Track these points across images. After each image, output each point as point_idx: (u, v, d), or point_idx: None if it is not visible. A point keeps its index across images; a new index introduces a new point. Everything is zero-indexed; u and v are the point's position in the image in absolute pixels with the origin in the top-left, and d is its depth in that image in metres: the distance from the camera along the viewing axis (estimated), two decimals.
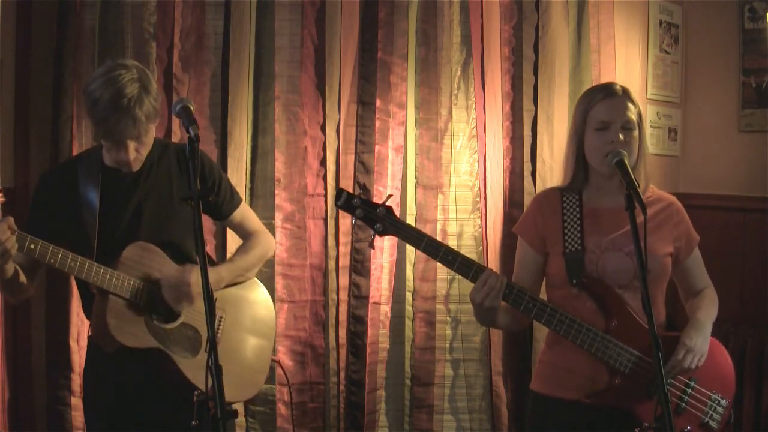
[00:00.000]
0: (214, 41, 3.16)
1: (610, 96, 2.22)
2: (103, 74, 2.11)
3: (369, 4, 3.29)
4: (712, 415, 2.23)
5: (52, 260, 2.05)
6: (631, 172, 2.04)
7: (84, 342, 2.97)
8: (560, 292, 2.24)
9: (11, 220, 1.99)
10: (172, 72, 3.07)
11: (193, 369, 2.22)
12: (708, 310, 2.29)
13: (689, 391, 2.21)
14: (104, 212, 2.20)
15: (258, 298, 2.53)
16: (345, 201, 2.08)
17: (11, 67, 2.94)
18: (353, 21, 3.27)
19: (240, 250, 2.50)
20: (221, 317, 2.38)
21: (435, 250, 2.11)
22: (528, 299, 2.14)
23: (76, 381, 2.97)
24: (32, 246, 2.02)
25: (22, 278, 2.17)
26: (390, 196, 2.16)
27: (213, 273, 2.31)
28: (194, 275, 2.23)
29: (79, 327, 2.98)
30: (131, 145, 2.13)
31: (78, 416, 2.97)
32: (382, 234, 2.09)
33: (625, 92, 2.24)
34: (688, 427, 2.15)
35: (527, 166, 3.48)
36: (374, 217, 2.09)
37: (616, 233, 2.20)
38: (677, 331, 2.25)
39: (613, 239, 2.21)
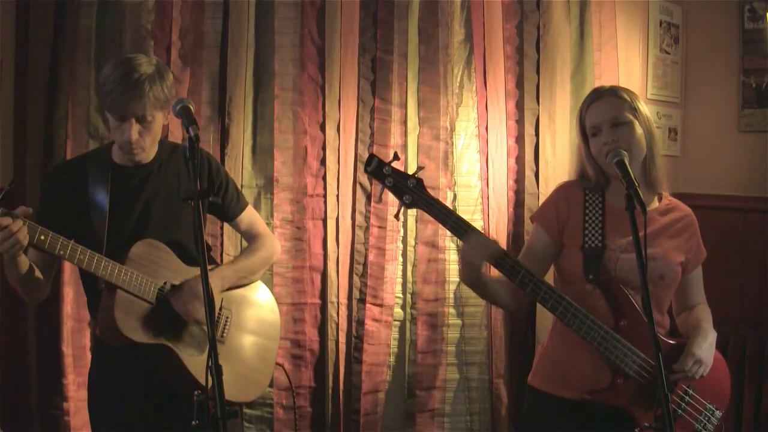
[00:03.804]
0: (213, 40, 3.14)
1: (595, 100, 2.23)
2: (120, 57, 2.17)
3: (369, 3, 3.29)
4: (705, 424, 2.23)
5: (61, 252, 2.04)
6: (630, 172, 2.02)
7: (77, 345, 2.96)
8: (573, 287, 2.21)
9: (28, 210, 1.98)
10: (171, 71, 3.05)
11: (199, 367, 2.21)
12: (710, 322, 2.29)
13: (687, 398, 2.21)
14: (113, 210, 2.19)
15: (263, 300, 2.53)
16: (375, 168, 2.01)
17: (11, 66, 2.93)
18: (353, 20, 3.26)
19: (244, 252, 2.51)
20: (227, 317, 2.38)
21: (462, 230, 2.07)
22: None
23: (69, 386, 2.94)
24: (42, 237, 2.01)
25: (38, 274, 2.17)
26: (421, 168, 2.08)
27: (216, 274, 2.32)
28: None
29: (72, 331, 2.95)
30: (135, 126, 2.12)
31: (70, 421, 2.95)
32: (409, 207, 2.03)
33: (612, 90, 2.24)
34: None
35: (530, 165, 3.47)
36: (404, 188, 2.02)
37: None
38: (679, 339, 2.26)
39: (632, 241, 2.19)
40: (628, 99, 2.21)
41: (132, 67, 2.10)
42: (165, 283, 2.23)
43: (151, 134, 2.18)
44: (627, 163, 2.06)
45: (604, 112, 2.19)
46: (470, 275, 2.17)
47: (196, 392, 1.72)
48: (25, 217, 1.97)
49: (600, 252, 2.18)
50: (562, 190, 2.34)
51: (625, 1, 3.72)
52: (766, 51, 3.76)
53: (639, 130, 2.19)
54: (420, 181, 2.03)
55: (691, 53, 4.03)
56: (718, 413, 2.25)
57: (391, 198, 3.02)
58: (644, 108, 2.24)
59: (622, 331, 2.14)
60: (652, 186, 2.24)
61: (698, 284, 2.38)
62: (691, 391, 2.21)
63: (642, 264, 1.92)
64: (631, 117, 2.19)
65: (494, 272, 2.17)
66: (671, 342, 2.22)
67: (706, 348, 2.19)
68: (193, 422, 1.70)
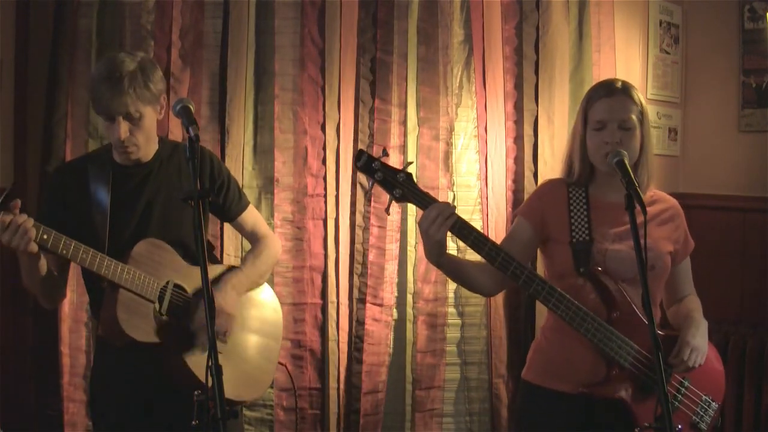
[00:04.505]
0: (213, 40, 3.15)
1: (608, 95, 2.22)
2: (107, 56, 2.18)
3: (369, 4, 3.28)
4: (702, 416, 2.24)
5: (64, 251, 2.04)
6: (631, 172, 2.03)
7: (75, 346, 2.96)
8: (564, 282, 2.20)
9: (17, 201, 1.98)
10: (170, 71, 3.05)
11: (201, 365, 2.21)
12: (700, 312, 2.30)
13: (683, 390, 2.22)
14: (114, 210, 2.20)
15: (266, 300, 2.52)
16: (365, 163, 2.01)
17: (11, 66, 2.93)
18: (353, 20, 3.26)
19: (250, 257, 2.48)
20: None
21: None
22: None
23: (67, 387, 2.95)
24: (45, 236, 2.01)
25: (56, 274, 2.19)
26: (410, 163, 2.08)
27: (229, 284, 2.32)
28: (227, 298, 2.28)
29: (70, 332, 2.95)
30: (123, 124, 2.13)
31: (68, 421, 2.95)
32: (399, 200, 2.03)
33: (625, 89, 2.23)
34: (679, 426, 2.15)
35: (529, 166, 3.47)
36: (394, 182, 2.01)
37: (621, 227, 2.19)
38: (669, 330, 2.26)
39: (618, 233, 2.20)
40: (638, 102, 2.21)
41: (114, 65, 2.12)
42: (167, 282, 2.23)
43: (143, 131, 2.18)
44: (627, 164, 2.07)
45: (613, 111, 2.19)
46: (436, 251, 2.08)
47: (196, 392, 1.72)
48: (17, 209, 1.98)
49: (588, 245, 2.19)
50: (545, 185, 2.38)
51: (624, 1, 3.72)
52: (766, 51, 3.76)
53: (639, 135, 2.21)
54: (409, 175, 2.03)
55: (691, 53, 4.03)
56: (714, 405, 2.26)
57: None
58: (648, 109, 2.25)
59: (615, 323, 2.15)
60: (639, 186, 2.24)
61: (687, 275, 2.39)
62: (686, 383, 2.22)
63: (642, 264, 1.92)
64: (636, 122, 2.19)
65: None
66: (662, 333, 2.21)
67: (700, 336, 2.20)
68: (193, 422, 1.70)
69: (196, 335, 2.25)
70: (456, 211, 2.03)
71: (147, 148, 2.24)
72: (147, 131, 2.20)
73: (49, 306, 2.38)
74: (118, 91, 2.09)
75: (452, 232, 2.03)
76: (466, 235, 2.05)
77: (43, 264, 2.11)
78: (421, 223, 2.02)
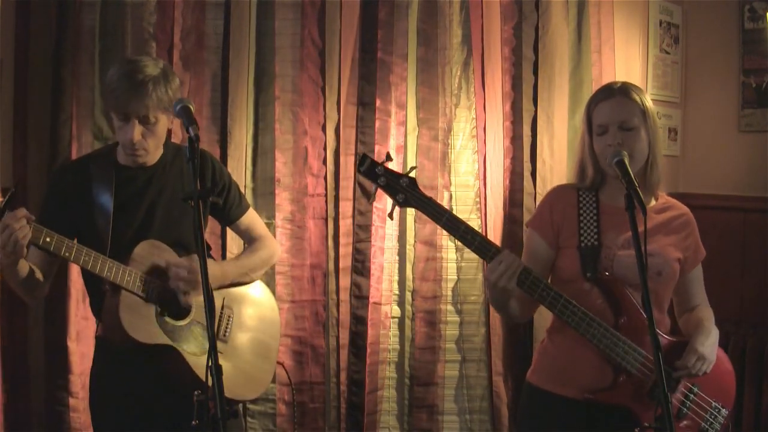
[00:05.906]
0: (215, 41, 3.16)
1: (606, 98, 2.21)
2: (127, 58, 2.21)
3: (369, 4, 3.29)
4: (711, 423, 2.22)
5: (66, 254, 2.06)
6: (630, 172, 2.01)
7: (83, 341, 2.97)
8: (571, 286, 2.19)
9: (29, 214, 1.99)
10: None
11: (203, 367, 2.21)
12: (712, 321, 2.28)
13: (692, 396, 2.20)
14: (117, 212, 2.21)
15: (263, 298, 2.54)
16: (368, 168, 2.02)
17: (11, 67, 2.93)
18: (353, 21, 3.27)
19: (245, 250, 2.52)
20: (230, 316, 2.40)
21: (455, 227, 2.07)
22: (543, 287, 2.09)
23: (75, 382, 2.97)
24: (48, 239, 2.02)
25: (38, 276, 2.18)
26: (414, 168, 2.09)
27: (218, 267, 2.35)
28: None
29: (78, 327, 2.97)
30: (138, 126, 2.14)
31: (76, 418, 2.97)
32: (403, 206, 2.02)
33: (624, 90, 2.21)
34: None
35: (527, 166, 3.47)
36: (397, 187, 2.02)
37: (630, 232, 2.18)
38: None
39: (628, 238, 2.18)
40: (639, 101, 2.19)
41: (137, 68, 2.12)
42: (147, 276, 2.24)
43: (155, 137, 2.19)
44: (627, 163, 2.05)
45: (612, 113, 2.18)
46: (501, 299, 2.16)
47: (196, 392, 1.73)
48: (26, 217, 1.98)
49: (597, 250, 2.18)
50: (555, 192, 2.35)
51: (624, 1, 3.72)
52: (766, 51, 3.76)
53: (644, 136, 2.19)
54: (413, 180, 2.03)
55: (691, 53, 4.02)
56: (724, 411, 2.24)
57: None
58: (651, 107, 2.22)
59: (622, 329, 2.14)
60: (650, 187, 2.24)
61: (699, 284, 2.36)
62: (695, 389, 2.20)
63: (642, 264, 1.91)
64: (638, 122, 2.18)
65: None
66: (672, 339, 2.21)
67: (709, 345, 2.18)
68: (193, 422, 1.71)
69: (195, 333, 2.25)
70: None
71: (155, 153, 2.26)
72: (158, 137, 2.21)
73: (29, 302, 2.37)
74: (140, 93, 2.10)
75: (521, 286, 2.08)
76: (521, 280, 2.07)
77: (24, 265, 2.10)
78: (489, 276, 2.04)
